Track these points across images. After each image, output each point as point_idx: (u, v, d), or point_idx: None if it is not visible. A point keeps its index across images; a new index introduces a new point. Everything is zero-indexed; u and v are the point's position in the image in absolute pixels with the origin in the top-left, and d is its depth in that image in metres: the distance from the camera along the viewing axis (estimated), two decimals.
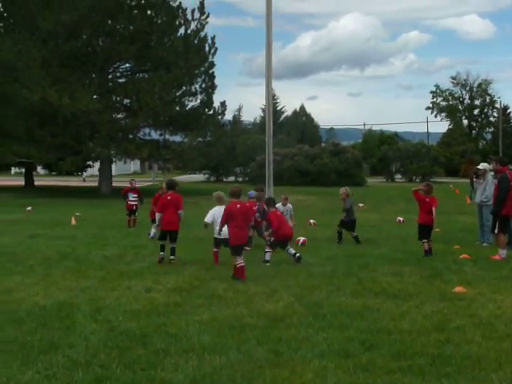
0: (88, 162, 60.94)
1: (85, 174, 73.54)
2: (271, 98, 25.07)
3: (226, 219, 12.36)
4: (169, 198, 14.48)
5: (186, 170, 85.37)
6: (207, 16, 46.73)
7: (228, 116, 70.37)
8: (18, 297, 10.08)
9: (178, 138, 50.31)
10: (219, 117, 50.05)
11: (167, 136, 48.72)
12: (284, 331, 8.19)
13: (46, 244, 16.99)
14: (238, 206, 12.38)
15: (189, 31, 46.39)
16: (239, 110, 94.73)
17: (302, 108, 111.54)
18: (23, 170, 61.73)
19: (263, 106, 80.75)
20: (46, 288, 10.86)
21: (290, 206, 18.49)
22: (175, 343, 7.57)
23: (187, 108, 47.44)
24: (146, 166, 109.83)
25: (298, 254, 14.05)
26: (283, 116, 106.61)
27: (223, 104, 49.07)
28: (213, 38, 47.41)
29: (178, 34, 46.45)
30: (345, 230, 17.87)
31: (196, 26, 46.57)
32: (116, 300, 9.88)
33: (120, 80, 48.25)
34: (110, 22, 43.97)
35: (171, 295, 10.34)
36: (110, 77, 47.64)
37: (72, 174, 76.00)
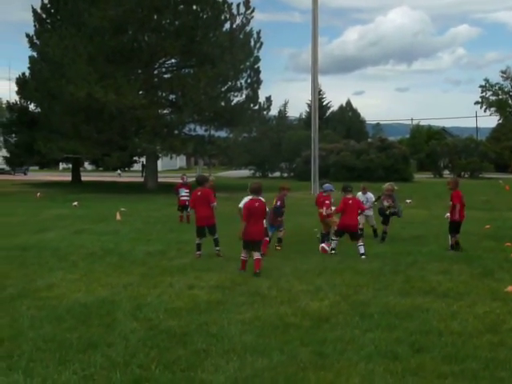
0: (134, 158, 61.29)
1: (118, 170, 73.74)
2: (317, 93, 24.90)
3: (247, 217, 12.40)
4: (199, 193, 14.47)
5: (231, 166, 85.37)
6: (252, 10, 46.37)
7: (273, 111, 70.12)
8: (60, 293, 9.97)
9: (223, 134, 50.10)
10: (264, 112, 49.63)
11: (212, 131, 48.53)
12: (329, 332, 7.92)
13: (90, 239, 16.93)
14: (257, 204, 12.48)
15: (234, 26, 46.11)
16: (285, 105, 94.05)
17: (349, 103, 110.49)
18: (70, 166, 62.38)
19: (309, 102, 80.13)
20: (88, 284, 10.74)
21: (370, 194, 18.59)
22: (216, 343, 7.35)
23: (232, 103, 47.20)
24: (191, 161, 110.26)
25: (363, 256, 14.12)
26: (329, 111, 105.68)
27: (268, 99, 48.67)
28: (258, 33, 47.07)
29: (224, 29, 46.20)
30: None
31: (241, 21, 46.28)
32: (157, 297, 9.71)
33: (165, 75, 48.20)
34: (155, 17, 43.91)
35: (213, 292, 10.14)
36: (155, 72, 47.64)
37: (122, 170, 76.51)
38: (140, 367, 6.48)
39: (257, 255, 12.16)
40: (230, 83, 46.56)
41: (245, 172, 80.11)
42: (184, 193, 22.43)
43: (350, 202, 14.87)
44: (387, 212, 17.20)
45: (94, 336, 7.55)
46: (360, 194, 18.66)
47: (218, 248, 14.21)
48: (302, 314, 8.79)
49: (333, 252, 14.68)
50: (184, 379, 6.17)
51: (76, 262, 13.24)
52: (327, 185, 16.68)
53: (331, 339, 7.56)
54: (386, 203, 17.22)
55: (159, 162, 53.32)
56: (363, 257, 14.11)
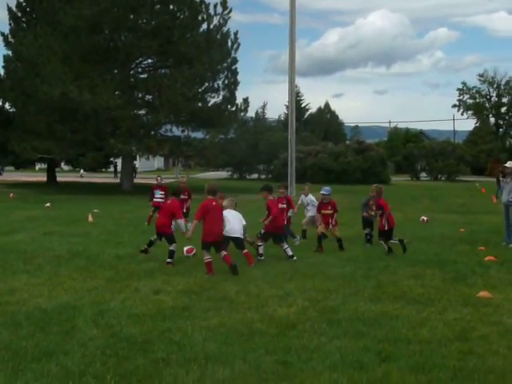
0: (110, 159, 60.86)
1: (82, 170, 73.23)
2: (294, 94, 24.68)
3: (202, 215, 12.47)
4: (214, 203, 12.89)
5: (208, 167, 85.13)
6: (230, 11, 46.16)
7: (251, 113, 70.03)
8: (21, 298, 9.66)
9: (199, 135, 49.88)
10: (242, 113, 49.49)
11: (189, 132, 48.24)
12: (295, 339, 7.70)
13: (59, 242, 16.62)
14: (214, 203, 12.66)
15: (211, 26, 45.87)
16: (264, 107, 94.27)
17: (327, 105, 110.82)
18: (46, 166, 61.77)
19: (287, 103, 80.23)
20: (52, 289, 10.44)
21: (312, 197, 18.27)
22: (178, 351, 7.10)
23: (209, 104, 46.99)
24: (169, 162, 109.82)
25: (294, 258, 14.03)
26: (307, 113, 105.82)
27: (246, 100, 48.50)
28: (235, 34, 46.87)
29: (201, 30, 45.93)
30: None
31: (219, 21, 46.05)
32: (121, 303, 9.43)
33: (142, 76, 47.85)
34: (131, 16, 43.52)
35: (180, 298, 9.89)
36: (131, 72, 47.23)
37: (95, 171, 76.01)
38: (95, 378, 6.20)
39: (224, 253, 12.37)
40: (206, 84, 46.35)
41: (222, 173, 79.96)
42: (158, 194, 22.09)
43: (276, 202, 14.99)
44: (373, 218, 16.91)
45: (52, 344, 7.26)
46: (302, 196, 18.72)
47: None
48: (269, 320, 8.56)
49: (261, 258, 14.10)
50: None
51: (42, 265, 12.92)
52: (327, 188, 16.57)
53: (297, 347, 7.34)
54: (372, 212, 16.88)
55: (136, 163, 52.86)
56: (294, 258, 13.99)
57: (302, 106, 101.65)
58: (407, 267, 13.00)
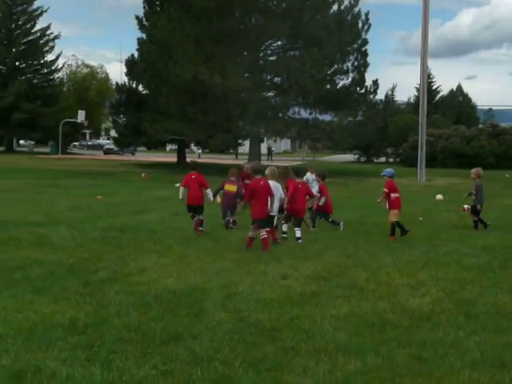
0: (239, 140, 61.52)
1: (199, 151, 73.99)
2: (426, 76, 23.85)
3: (250, 195, 13.06)
4: (193, 176, 15.55)
5: (335, 150, 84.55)
6: None
7: (380, 95, 68.80)
8: (151, 278, 9.70)
9: (327, 117, 49.42)
10: (371, 96, 48.66)
11: (317, 115, 47.85)
12: (430, 332, 7.30)
13: (188, 222, 16.73)
14: (261, 182, 13.09)
15: (342, 7, 45.33)
16: (393, 89, 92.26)
17: (459, 87, 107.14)
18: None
19: (418, 86, 78.16)
20: (180, 270, 10.44)
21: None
22: (307, 340, 6.86)
23: (338, 86, 46.53)
24: (296, 145, 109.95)
25: (300, 240, 14.08)
26: (439, 96, 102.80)
27: (375, 82, 47.63)
28: (366, 15, 46.13)
29: (331, 11, 45.45)
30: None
31: (349, 2, 45.46)
32: (249, 286, 9.28)
33: (271, 58, 47.96)
34: None
35: (308, 284, 9.64)
36: (261, 55, 47.42)
37: (223, 152, 77.09)
38: (223, 364, 6.06)
39: (263, 233, 12.78)
40: (336, 66, 45.87)
41: (349, 156, 79.19)
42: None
43: (300, 186, 14.87)
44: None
45: (180, 327, 7.19)
46: (308, 173, 18.97)
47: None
48: (401, 311, 8.19)
49: (284, 236, 14.52)
50: (268, 380, 5.73)
51: (171, 245, 13.02)
52: (389, 169, 16.03)
53: (432, 341, 6.95)
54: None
55: (263, 145, 53.13)
56: (300, 241, 14.05)
57: (434, 88, 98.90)
58: None
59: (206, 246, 12.95)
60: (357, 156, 78.22)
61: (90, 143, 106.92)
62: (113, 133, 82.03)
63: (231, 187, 16.39)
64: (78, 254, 11.62)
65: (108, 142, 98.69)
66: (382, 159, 76.66)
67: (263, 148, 55.46)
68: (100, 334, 6.83)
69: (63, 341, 6.60)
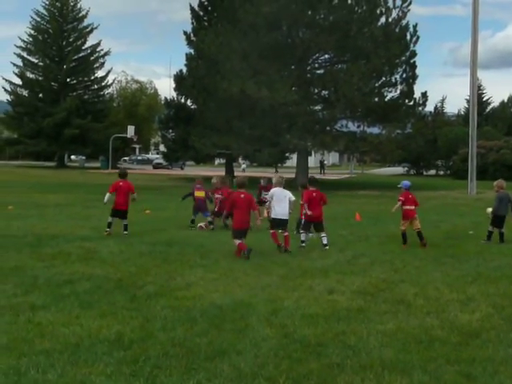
0: (286, 154, 61.54)
1: (244, 165, 74.02)
2: (476, 88, 23.55)
3: (230, 207, 14.40)
4: (121, 184, 17.05)
5: (384, 163, 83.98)
6: (409, 3, 44.95)
7: (429, 107, 68.14)
8: (197, 293, 9.70)
9: (375, 130, 49.02)
10: (420, 108, 48.01)
11: (365, 128, 47.49)
12: (479, 349, 7.15)
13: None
14: (242, 195, 13.98)
15: (390, 20, 44.95)
16: (442, 101, 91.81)
17: (510, 99, 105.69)
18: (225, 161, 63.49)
19: (468, 97, 77.28)
20: (226, 284, 10.44)
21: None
22: (353, 357, 6.78)
23: (386, 99, 46.10)
24: (344, 158, 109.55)
25: (326, 247, 14.75)
26: (489, 107, 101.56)
27: (424, 95, 47.04)
28: (415, 26, 45.53)
29: (379, 24, 45.17)
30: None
31: (397, 14, 45.00)
32: (295, 302, 9.22)
33: (318, 71, 47.88)
34: (309, 12, 43.63)
35: (355, 299, 9.54)
36: (308, 68, 47.39)
37: (271, 166, 77.16)
38: (268, 380, 6.02)
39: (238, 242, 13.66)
40: (384, 78, 45.52)
41: (398, 169, 78.53)
42: (264, 194, 22.03)
43: (314, 194, 15.36)
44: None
45: (225, 342, 7.17)
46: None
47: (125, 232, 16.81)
48: (450, 327, 8.04)
49: (303, 245, 15.03)
50: None
51: (217, 259, 13.03)
52: (406, 182, 16.34)
53: (481, 358, 6.80)
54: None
55: (311, 159, 53.02)
56: (326, 247, 14.73)
57: (484, 99, 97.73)
58: None
59: (252, 261, 12.91)
60: (406, 169, 77.50)
61: (139, 158, 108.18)
62: (162, 147, 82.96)
63: (200, 193, 19.23)
64: (126, 269, 11.72)
65: (157, 156, 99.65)
66: (432, 172, 75.81)
67: (311, 161, 55.28)
68: (145, 349, 6.85)
69: (109, 356, 6.63)
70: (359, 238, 16.99)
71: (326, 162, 78.02)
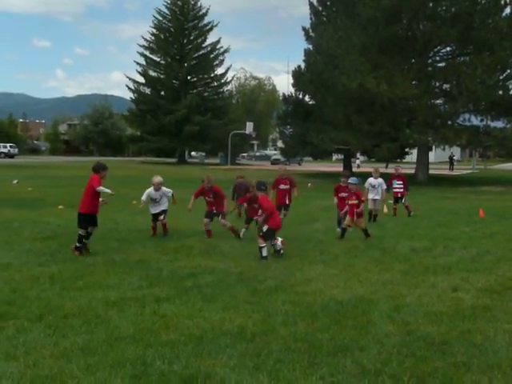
0: (406, 149, 60.54)
1: (358, 160, 73.07)
2: None
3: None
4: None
5: (508, 158, 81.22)
6: None
7: None
8: (316, 288, 9.69)
9: (500, 124, 47.41)
10: None
11: (488, 122, 45.99)
12: None
13: (354, 231, 16.63)
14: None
15: None
16: None
17: None
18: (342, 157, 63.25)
19: None
20: (346, 280, 10.38)
21: (381, 179, 19.50)
22: (479, 356, 6.58)
23: (511, 92, 44.53)
24: (466, 153, 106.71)
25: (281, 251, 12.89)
26: None
27: None
28: None
29: (503, 14, 43.64)
30: None
31: None
32: (417, 299, 9.05)
33: (439, 64, 46.75)
34: (430, 4, 42.77)
35: (480, 297, 9.26)
36: (429, 61, 46.40)
37: (390, 161, 76.23)
38: (391, 378, 5.92)
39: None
40: (508, 71, 44.02)
41: None
42: (396, 184, 22.05)
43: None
44: None
45: (347, 338, 7.12)
46: (371, 178, 19.54)
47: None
48: None
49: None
50: None
51: (337, 255, 12.97)
52: (354, 178, 16.05)
53: None
54: None
55: (431, 154, 51.90)
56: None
57: None
58: None
59: (372, 257, 12.79)
60: None
61: (257, 154, 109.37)
62: (279, 143, 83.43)
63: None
64: (246, 263, 11.85)
65: (275, 152, 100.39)
66: None
67: (431, 156, 54.13)
68: (267, 343, 6.89)
69: (232, 348, 6.72)
70: (483, 235, 16.47)
71: (455, 158, 76.01)
